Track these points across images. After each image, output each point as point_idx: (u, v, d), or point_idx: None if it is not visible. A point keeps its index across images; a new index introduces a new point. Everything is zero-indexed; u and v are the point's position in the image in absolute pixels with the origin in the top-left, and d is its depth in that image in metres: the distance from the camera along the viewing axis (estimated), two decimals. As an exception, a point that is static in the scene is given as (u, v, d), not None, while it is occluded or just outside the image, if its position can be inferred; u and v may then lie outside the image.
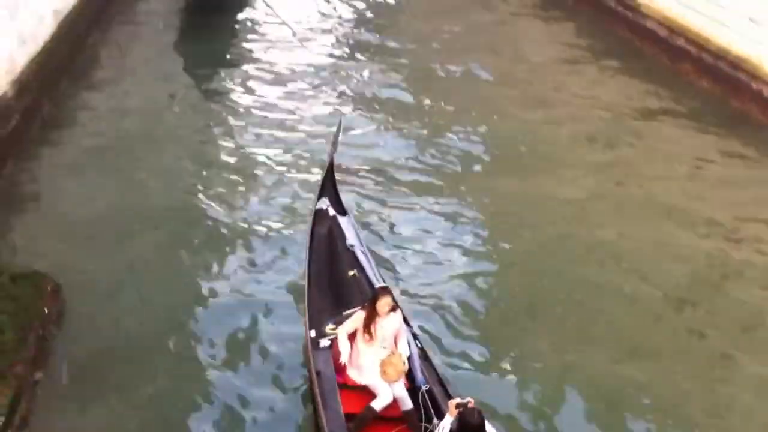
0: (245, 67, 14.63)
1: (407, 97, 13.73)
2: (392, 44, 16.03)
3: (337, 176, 8.59)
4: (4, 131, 10.18)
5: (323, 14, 17.74)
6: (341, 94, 13.70)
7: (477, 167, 11.51)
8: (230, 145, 11.65)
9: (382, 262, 8.71)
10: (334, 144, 8.64)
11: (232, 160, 11.17)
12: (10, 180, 10.04)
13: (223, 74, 14.26)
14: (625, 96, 14.07)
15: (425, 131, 12.46)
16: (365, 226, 9.55)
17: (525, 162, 11.69)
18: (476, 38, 16.53)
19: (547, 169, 11.36)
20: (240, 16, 17.61)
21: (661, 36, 15.54)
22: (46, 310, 7.56)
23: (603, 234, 9.96)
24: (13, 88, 10.63)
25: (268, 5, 17.73)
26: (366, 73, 14.62)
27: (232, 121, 12.42)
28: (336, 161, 8.66)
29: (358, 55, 15.48)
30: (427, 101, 13.62)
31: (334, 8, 18.10)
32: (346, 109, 13.01)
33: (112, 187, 10.15)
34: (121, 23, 16.16)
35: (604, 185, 11.16)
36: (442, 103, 13.53)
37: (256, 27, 17.07)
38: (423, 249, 9.46)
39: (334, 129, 9.18)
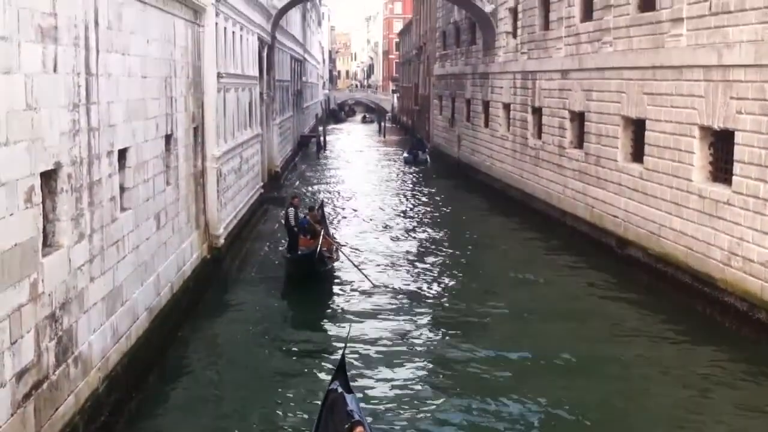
0: (332, 357, 14.72)
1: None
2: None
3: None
4: (93, 428, 10.42)
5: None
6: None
7: None
8: None
9: None
10: (346, 344, 12.06)
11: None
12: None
13: (312, 361, 14.63)
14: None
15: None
16: None
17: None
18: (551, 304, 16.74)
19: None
20: (332, 287, 19.28)
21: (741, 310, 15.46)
22: None
23: None
24: (104, 384, 11.03)
25: (362, 273, 19.53)
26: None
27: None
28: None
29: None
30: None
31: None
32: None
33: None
34: (212, 314, 16.92)
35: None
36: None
37: (347, 296, 18.54)
38: None
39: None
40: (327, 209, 27.41)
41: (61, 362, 9.57)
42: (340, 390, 10.38)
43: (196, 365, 14.14)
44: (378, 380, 13.49)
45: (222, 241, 20.13)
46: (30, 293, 8.70)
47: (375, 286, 18.94)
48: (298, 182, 39.74)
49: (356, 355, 14.38)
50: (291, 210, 20.39)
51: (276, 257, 22.13)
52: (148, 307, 13.54)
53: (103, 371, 11.09)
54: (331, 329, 16.53)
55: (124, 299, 12.24)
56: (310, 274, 18.95)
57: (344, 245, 22.82)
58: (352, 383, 11.12)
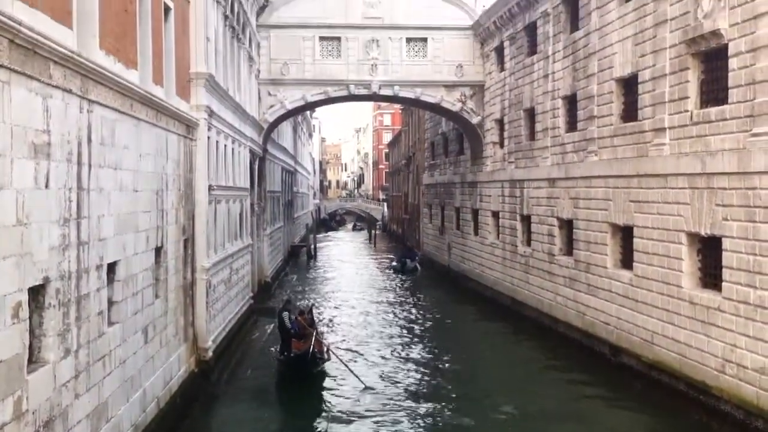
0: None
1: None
2: None
3: None
4: None
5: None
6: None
7: None
8: None
9: None
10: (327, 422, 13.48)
11: None
12: None
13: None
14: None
15: None
16: None
17: None
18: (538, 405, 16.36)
19: None
20: (323, 387, 19.66)
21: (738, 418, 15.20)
22: None
23: None
24: (87, 506, 10.66)
25: (354, 374, 20.08)
26: None
27: None
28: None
29: None
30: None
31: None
32: None
33: None
34: (198, 430, 16.56)
35: None
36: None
37: (339, 396, 18.92)
38: None
39: None
40: (317, 315, 27.48)
41: (43, 484, 9.27)
42: None
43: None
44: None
45: (210, 353, 19.86)
46: (14, 411, 8.51)
47: (366, 388, 19.35)
48: (288, 291, 39.59)
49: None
50: (285, 314, 21.28)
51: (265, 367, 21.94)
52: (133, 424, 13.22)
53: (86, 492, 10.74)
54: (319, 425, 16.96)
55: (110, 416, 11.96)
56: (303, 374, 19.42)
57: (334, 345, 23.22)
58: None
